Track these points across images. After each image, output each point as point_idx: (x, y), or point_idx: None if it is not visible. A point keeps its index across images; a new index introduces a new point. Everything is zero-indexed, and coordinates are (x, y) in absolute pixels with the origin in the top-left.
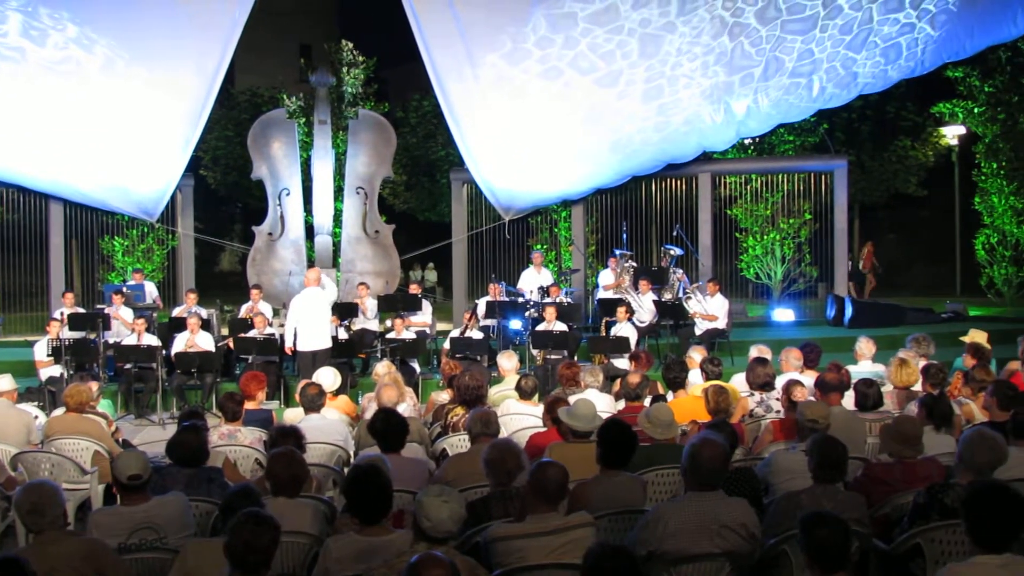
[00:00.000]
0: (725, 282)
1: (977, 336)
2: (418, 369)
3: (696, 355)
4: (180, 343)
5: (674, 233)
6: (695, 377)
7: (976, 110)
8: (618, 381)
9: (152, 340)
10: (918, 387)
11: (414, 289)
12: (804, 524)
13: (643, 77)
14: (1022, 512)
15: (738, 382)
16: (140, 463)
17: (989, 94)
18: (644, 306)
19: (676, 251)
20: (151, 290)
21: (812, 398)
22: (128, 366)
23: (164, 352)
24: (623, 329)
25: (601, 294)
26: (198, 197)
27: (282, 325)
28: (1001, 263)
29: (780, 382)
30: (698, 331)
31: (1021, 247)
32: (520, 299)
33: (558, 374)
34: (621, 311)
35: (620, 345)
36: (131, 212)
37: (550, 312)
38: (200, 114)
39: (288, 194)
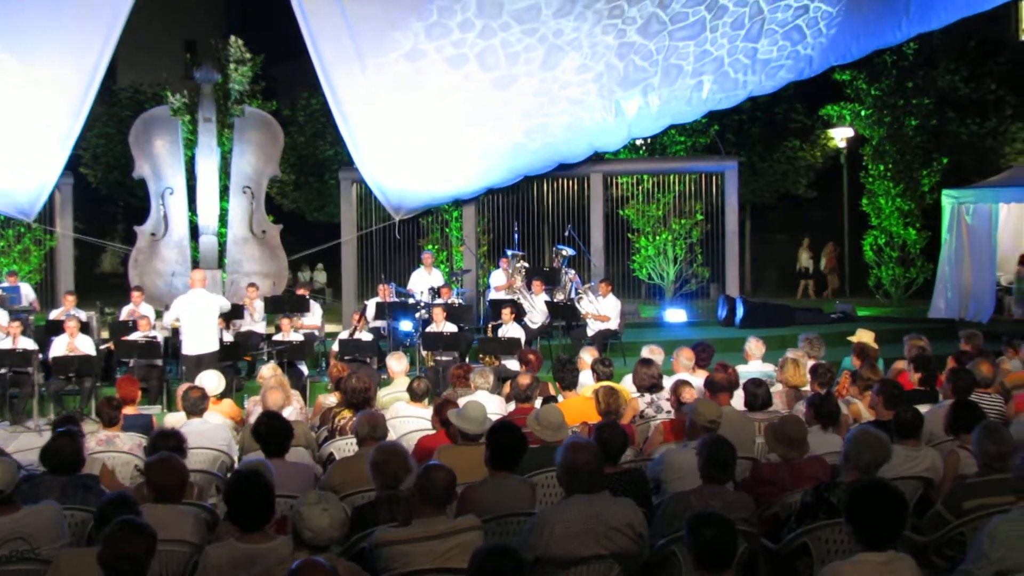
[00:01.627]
0: (617, 283)
1: (864, 336)
2: (306, 372)
3: (587, 356)
4: (58, 347)
5: (566, 233)
6: (586, 378)
7: (863, 112)
8: (509, 383)
9: (28, 344)
10: (808, 387)
11: (302, 290)
12: (691, 524)
13: (534, 89)
14: (903, 510)
15: (629, 383)
16: (4, 476)
17: (876, 97)
18: (536, 307)
19: (568, 252)
20: (27, 292)
21: (703, 398)
22: (3, 371)
23: (41, 356)
24: (511, 330)
25: (493, 295)
26: (78, 196)
27: (164, 328)
28: (889, 264)
29: (671, 382)
30: (590, 332)
31: (908, 248)
32: (410, 300)
33: (449, 376)
34: (506, 313)
35: (511, 346)
36: (7, 212)
37: (440, 313)
38: (80, 110)
39: (172, 193)
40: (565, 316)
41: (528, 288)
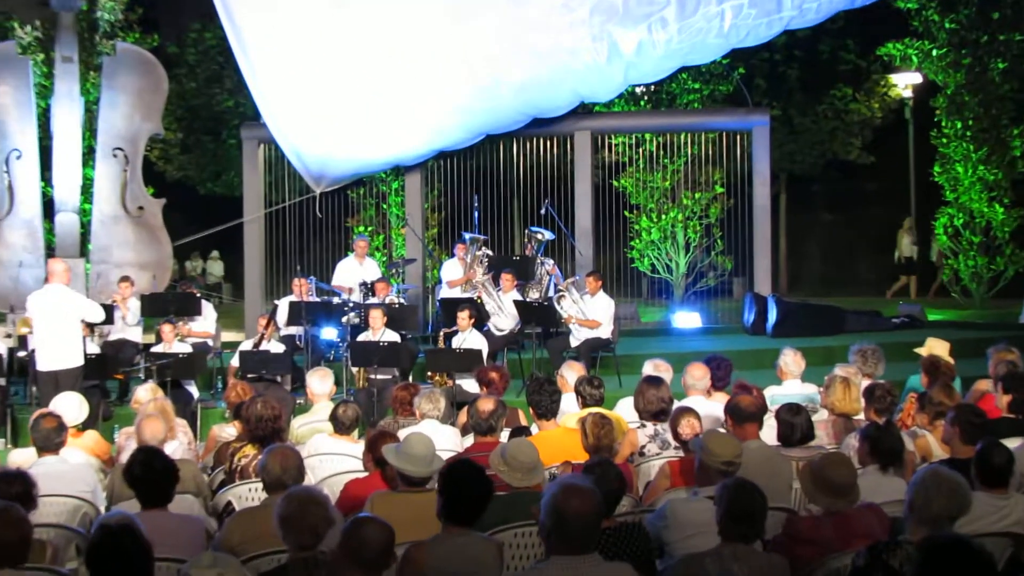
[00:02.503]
0: (610, 277)
1: (936, 347)
2: (196, 394)
3: (571, 374)
4: None
5: (542, 211)
6: (569, 403)
7: (935, 52)
8: (466, 409)
9: None
10: (861, 415)
11: (190, 287)
12: None
13: (500, 21)
14: None
15: (626, 409)
16: None
17: (951, 32)
18: (504, 308)
19: (545, 235)
20: None
21: (722, 429)
22: None
23: None
24: (469, 339)
25: (445, 292)
26: None
27: (9, 336)
28: (968, 252)
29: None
30: (574, 341)
31: (993, 232)
32: (336, 300)
33: (387, 400)
34: (463, 316)
35: (469, 361)
36: None
37: (376, 317)
38: None
39: (19, 157)
40: (541, 320)
41: (493, 283)
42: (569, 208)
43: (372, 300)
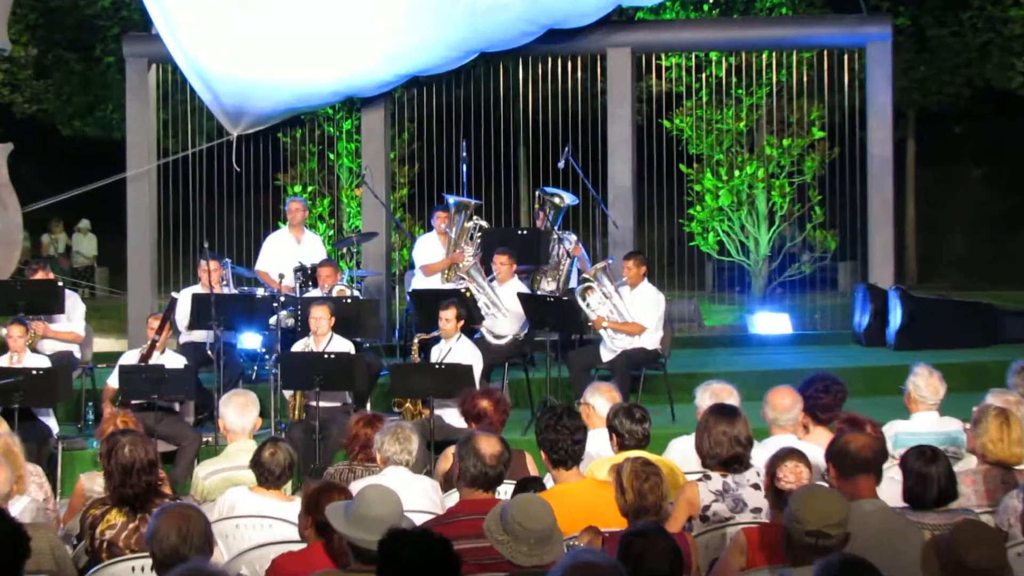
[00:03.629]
0: (659, 260)
1: None
2: (56, 429)
3: (601, 401)
4: None
5: (560, 163)
6: (598, 444)
7: None
8: (449, 452)
9: None
10: None
11: (44, 272)
12: None
13: None
14: None
15: (681, 451)
16: None
17: None
18: (503, 306)
19: (565, 199)
20: None
21: (822, 482)
22: None
23: None
24: (455, 351)
25: (419, 282)
26: None
27: None
28: None
29: (763, 453)
30: (606, 354)
31: None
32: (260, 292)
33: (337, 438)
34: (446, 317)
35: (453, 381)
36: None
37: (320, 317)
38: None
39: None
40: (558, 323)
41: (487, 270)
42: (600, 160)
43: (314, 292)
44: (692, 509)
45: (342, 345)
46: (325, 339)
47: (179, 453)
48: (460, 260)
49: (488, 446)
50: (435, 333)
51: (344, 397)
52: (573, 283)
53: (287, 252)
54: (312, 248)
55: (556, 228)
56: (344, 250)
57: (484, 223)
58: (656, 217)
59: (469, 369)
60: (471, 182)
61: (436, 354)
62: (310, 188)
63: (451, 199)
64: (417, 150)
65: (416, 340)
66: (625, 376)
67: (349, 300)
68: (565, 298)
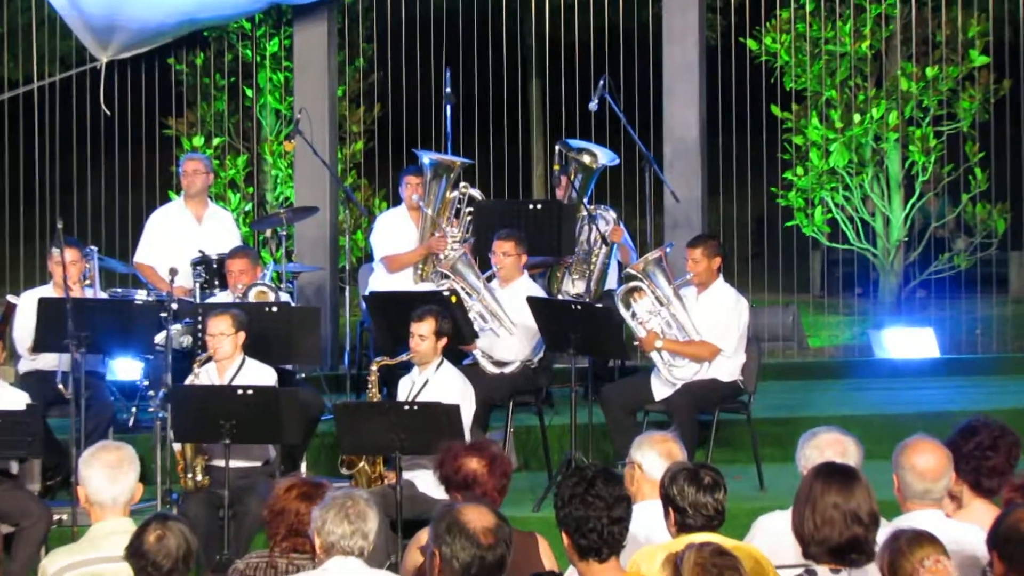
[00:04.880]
0: (738, 249)
1: None
2: None
3: (654, 458)
4: None
5: (591, 104)
6: (649, 522)
7: None
8: (423, 533)
9: None
10: None
11: None
12: None
13: None
14: None
15: (773, 534)
16: None
17: None
18: (507, 316)
19: (599, 156)
20: None
21: None
22: None
23: None
24: (438, 383)
25: (380, 281)
26: None
27: None
28: None
29: (886, 533)
30: (661, 388)
31: None
32: (141, 295)
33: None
34: (422, 333)
35: (431, 430)
36: None
37: (221, 333)
38: None
39: None
40: (590, 342)
41: (482, 264)
42: (652, 100)
43: (222, 296)
44: None
45: (261, 375)
46: (232, 365)
47: (17, 538)
48: (441, 248)
49: (478, 518)
50: (404, 357)
51: (266, 453)
52: (612, 283)
53: (182, 236)
54: (218, 230)
55: (586, 201)
56: (268, 233)
57: (477, 193)
58: (736, 185)
59: (455, 411)
60: (458, 132)
61: (406, 389)
62: (217, 141)
63: (427, 157)
64: (378, 85)
65: (375, 367)
66: (689, 422)
67: (274, 308)
68: (599, 305)
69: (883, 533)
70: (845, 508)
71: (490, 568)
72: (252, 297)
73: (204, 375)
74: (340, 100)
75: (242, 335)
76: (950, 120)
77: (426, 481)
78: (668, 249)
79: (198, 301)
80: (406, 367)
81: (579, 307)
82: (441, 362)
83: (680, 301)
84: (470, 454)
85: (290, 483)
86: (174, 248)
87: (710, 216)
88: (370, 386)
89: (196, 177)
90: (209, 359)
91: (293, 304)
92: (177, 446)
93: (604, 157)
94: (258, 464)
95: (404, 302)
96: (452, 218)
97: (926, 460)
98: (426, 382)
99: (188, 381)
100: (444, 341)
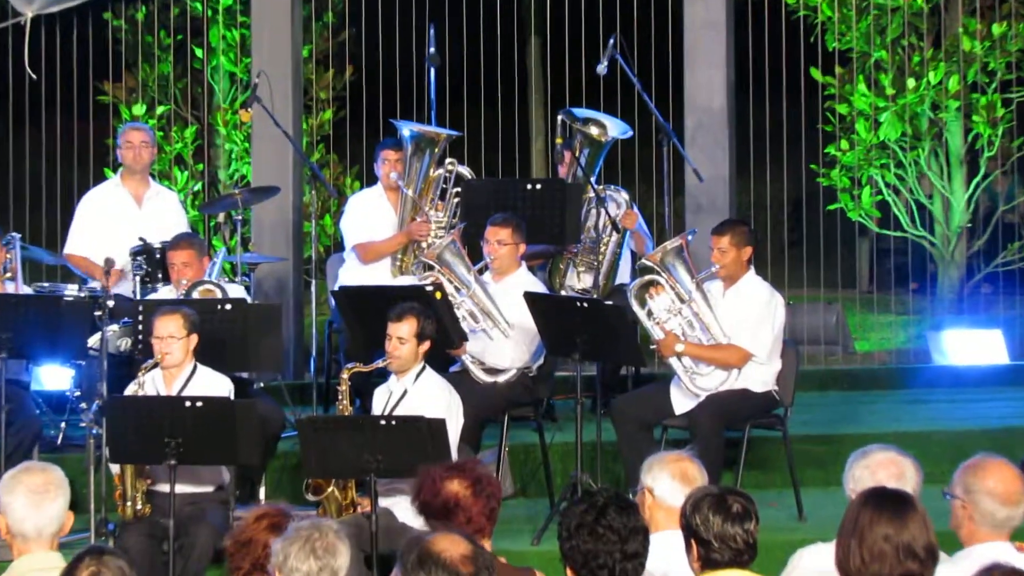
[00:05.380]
0: (773, 237)
1: None
2: None
3: (671, 482)
4: None
5: (600, 67)
6: (668, 555)
7: None
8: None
9: None
10: None
11: None
12: None
13: None
14: None
15: (814, 571)
16: None
17: None
18: (501, 315)
19: (608, 129)
20: None
21: None
22: None
23: None
24: (420, 394)
25: (352, 273)
26: None
27: None
28: None
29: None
30: (681, 400)
31: None
32: (73, 292)
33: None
34: (400, 335)
35: (410, 448)
36: None
37: (170, 336)
38: None
39: None
40: (599, 346)
41: (472, 254)
42: (672, 62)
43: (165, 291)
44: None
45: (215, 385)
46: (182, 374)
47: None
48: (424, 235)
49: (451, 546)
50: (380, 363)
51: (219, 477)
52: (624, 277)
53: (119, 221)
54: (162, 213)
55: (593, 180)
56: (220, 218)
57: (466, 171)
58: (770, 161)
59: (439, 427)
60: (443, 100)
61: (382, 400)
62: (161, 109)
63: (407, 129)
64: (350, 44)
65: (346, 375)
66: (714, 440)
67: (227, 307)
68: (609, 303)
69: (943, 570)
70: (898, 541)
71: None
72: (198, 293)
73: (150, 385)
74: (305, 62)
75: (194, 338)
76: (1020, 86)
77: (406, 509)
78: (690, 237)
79: (138, 297)
80: (382, 375)
81: (586, 304)
82: (423, 369)
83: (704, 297)
84: (451, 475)
85: (262, 511)
86: (111, 235)
87: (739, 198)
88: (340, 397)
89: (142, 151)
90: (156, 366)
91: (250, 301)
92: (115, 468)
93: (615, 129)
94: (209, 489)
95: (380, 298)
96: (437, 200)
97: (1003, 483)
98: (405, 393)
99: (130, 391)
100: (427, 345)
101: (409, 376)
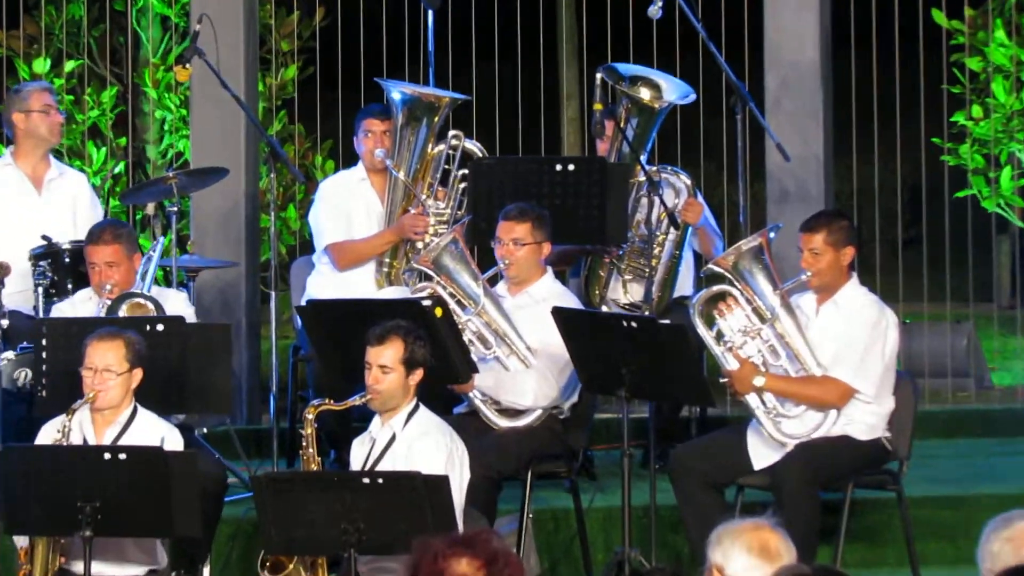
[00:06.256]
0: (883, 237)
1: None
2: None
3: (740, 556)
4: None
5: (653, 8)
6: None
7: None
8: None
9: None
10: None
11: None
12: None
13: None
14: None
15: None
16: None
17: None
18: (519, 339)
19: (664, 91)
20: None
21: None
22: None
23: None
24: (413, 441)
25: (322, 282)
26: None
27: None
28: None
29: None
30: (763, 451)
31: None
32: None
33: None
34: (384, 362)
35: (402, 514)
36: None
37: (107, 368)
38: None
39: None
40: (652, 380)
41: (482, 256)
42: (747, 1)
43: (82, 306)
44: None
45: (159, 435)
46: (119, 419)
47: None
48: (418, 232)
49: None
50: (357, 399)
51: (151, 553)
52: (686, 288)
53: (14, 212)
54: (67, 202)
55: (644, 159)
56: (149, 209)
57: (475, 147)
58: (878, 134)
59: (439, 486)
60: (445, 53)
61: (362, 452)
62: (70, 65)
63: (397, 91)
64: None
65: (311, 415)
66: (806, 504)
67: (158, 326)
68: (666, 321)
69: None
70: None
71: None
72: (124, 310)
73: (77, 432)
74: (262, 3)
75: (138, 374)
76: None
77: None
78: (772, 234)
79: (41, 314)
80: (365, 418)
81: (634, 324)
82: (415, 408)
83: (791, 315)
84: (456, 552)
85: None
86: (2, 231)
87: (837, 183)
88: (305, 444)
89: (38, 121)
90: (89, 403)
91: (190, 320)
92: (19, 540)
93: (672, 91)
94: (139, 571)
95: (362, 316)
96: (436, 186)
97: None
98: (392, 439)
99: (46, 439)
100: (418, 375)
101: (397, 418)
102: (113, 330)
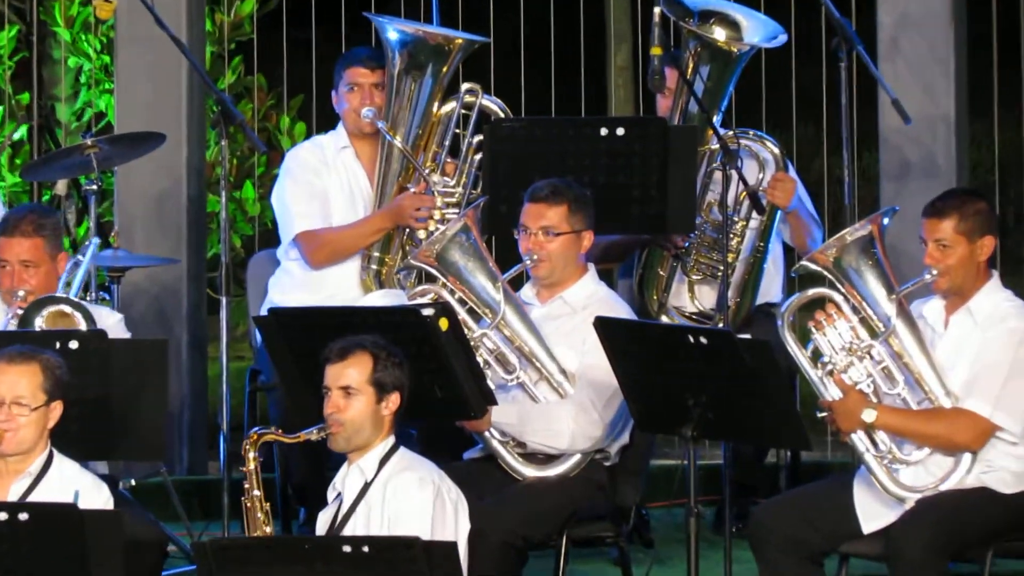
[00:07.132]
0: None
1: None
2: None
3: None
4: None
5: None
6: None
7: None
8: None
9: None
10: None
11: None
12: None
13: None
14: None
15: None
16: None
17: None
18: (549, 359)
19: (744, 29)
20: None
21: None
22: None
23: None
24: (393, 490)
25: (288, 285)
26: None
27: None
28: None
29: None
30: (874, 508)
31: None
32: None
33: None
34: (344, 382)
35: None
36: None
37: (18, 399)
38: None
39: None
40: (731, 415)
41: (502, 248)
42: None
43: None
44: None
45: (78, 488)
46: (32, 467)
47: None
48: (416, 216)
49: None
50: (313, 432)
51: None
52: (773, 292)
53: None
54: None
55: (718, 121)
56: (59, 188)
57: (495, 105)
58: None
59: (447, 555)
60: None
61: (327, 512)
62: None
63: (393, 29)
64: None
65: (250, 447)
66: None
67: (71, 343)
68: (747, 336)
69: None
70: None
71: None
72: (44, 324)
73: None
74: None
75: (56, 409)
76: None
77: None
78: (887, 220)
79: None
80: (334, 462)
81: (705, 340)
82: (392, 448)
83: (912, 328)
84: None
85: None
86: None
87: (972, 154)
88: (248, 486)
89: None
90: None
91: (123, 336)
92: None
93: (756, 31)
94: None
95: (341, 329)
96: (444, 156)
97: None
98: (364, 489)
99: None
100: (393, 402)
101: (368, 459)
102: (27, 350)
